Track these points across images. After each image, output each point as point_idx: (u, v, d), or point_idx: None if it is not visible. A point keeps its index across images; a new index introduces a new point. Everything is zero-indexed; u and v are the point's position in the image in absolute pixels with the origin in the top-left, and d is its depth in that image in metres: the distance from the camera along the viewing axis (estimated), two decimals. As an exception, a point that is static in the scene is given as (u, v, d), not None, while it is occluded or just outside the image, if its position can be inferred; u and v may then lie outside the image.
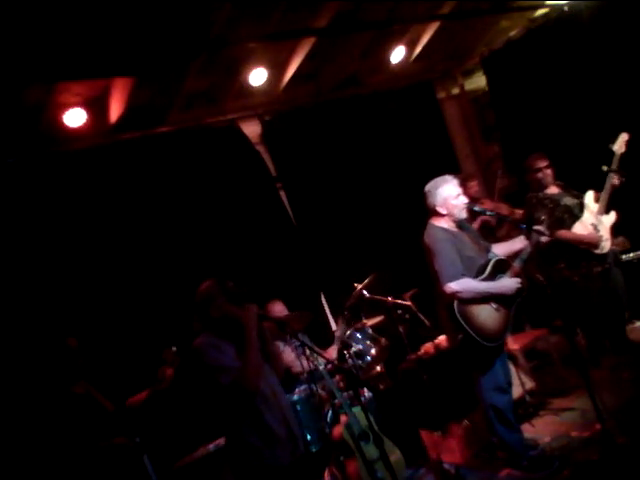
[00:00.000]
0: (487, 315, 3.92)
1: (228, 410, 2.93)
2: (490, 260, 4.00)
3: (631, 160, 4.92)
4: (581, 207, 5.03)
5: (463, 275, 3.89)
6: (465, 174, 6.54)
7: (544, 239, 4.03)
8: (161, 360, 4.13)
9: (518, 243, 4.15)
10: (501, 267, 4.01)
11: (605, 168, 4.94)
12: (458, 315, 3.88)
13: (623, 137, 4.78)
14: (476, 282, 3.91)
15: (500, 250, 4.19)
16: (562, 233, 4.93)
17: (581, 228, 4.97)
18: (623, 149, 4.77)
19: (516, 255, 4.08)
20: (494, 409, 4.03)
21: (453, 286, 3.85)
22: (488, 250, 4.18)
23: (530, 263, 4.18)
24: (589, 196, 5.04)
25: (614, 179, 4.81)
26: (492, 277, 3.96)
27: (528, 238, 4.03)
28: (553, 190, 5.19)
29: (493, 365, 4.02)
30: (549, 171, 5.15)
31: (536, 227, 4.01)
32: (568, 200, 5.10)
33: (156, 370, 4.13)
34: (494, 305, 3.95)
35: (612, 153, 4.79)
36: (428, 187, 4.12)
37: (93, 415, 3.59)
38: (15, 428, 4.00)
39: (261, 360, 2.97)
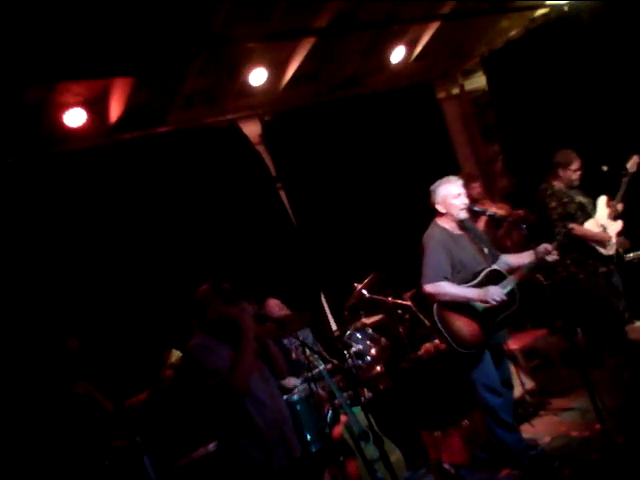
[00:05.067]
0: (465, 322, 3.93)
1: (217, 411, 2.94)
2: (484, 269, 4.00)
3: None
4: (594, 207, 5.10)
5: (445, 279, 3.92)
6: (468, 175, 6.53)
7: (551, 258, 3.97)
8: (161, 361, 4.13)
9: (526, 257, 4.09)
10: (494, 278, 3.98)
11: (605, 168, 4.97)
12: (435, 316, 3.95)
13: (635, 159, 4.96)
14: (452, 286, 3.92)
15: (509, 261, 4.15)
16: (573, 226, 4.93)
17: (592, 226, 5.03)
18: (635, 169, 4.95)
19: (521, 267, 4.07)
20: (488, 409, 4.04)
21: (429, 288, 3.93)
22: (495, 258, 4.16)
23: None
24: (602, 200, 5.10)
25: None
26: (481, 286, 3.94)
27: (529, 239, 4.02)
28: (570, 188, 5.20)
29: (482, 365, 4.01)
30: (580, 172, 5.17)
31: (545, 245, 3.96)
32: (582, 198, 5.13)
33: (157, 371, 4.13)
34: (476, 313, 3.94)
35: (625, 170, 4.95)
36: (432, 186, 4.17)
37: (94, 415, 3.60)
38: (16, 428, 4.01)
39: (255, 361, 2.98)
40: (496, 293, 3.86)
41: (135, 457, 3.68)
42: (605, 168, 5.02)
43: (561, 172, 5.12)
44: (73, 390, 3.64)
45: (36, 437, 3.71)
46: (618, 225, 5.08)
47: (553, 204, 5.06)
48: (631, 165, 4.95)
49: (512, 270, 4.08)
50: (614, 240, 5.03)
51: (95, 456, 3.48)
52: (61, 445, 3.47)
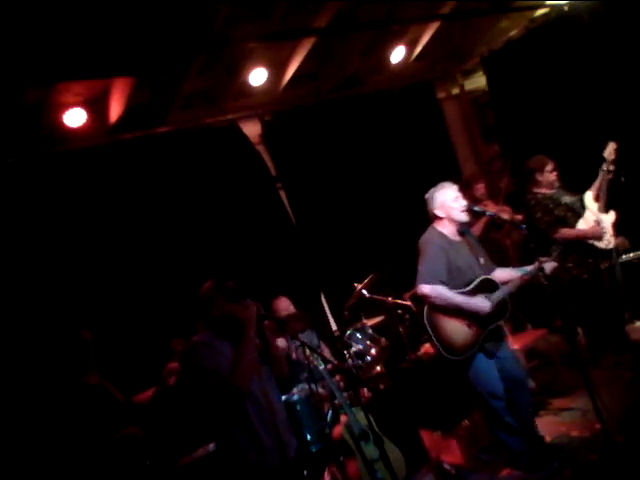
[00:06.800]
0: (455, 328, 3.92)
1: (216, 410, 2.93)
2: (477, 277, 3.99)
3: (630, 161, 4.99)
4: (582, 204, 5.09)
5: (441, 282, 3.90)
6: (473, 176, 6.55)
7: (548, 270, 3.95)
8: (170, 352, 4.07)
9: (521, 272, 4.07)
10: (487, 286, 3.98)
11: (623, 179, 5.00)
12: (425, 319, 3.93)
13: (612, 145, 4.97)
14: (449, 292, 3.90)
15: (504, 274, 4.13)
16: (565, 232, 4.96)
17: (584, 224, 5.03)
18: (613, 156, 4.96)
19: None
20: (492, 414, 4.03)
21: (425, 289, 3.89)
22: (490, 270, 4.14)
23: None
24: (588, 195, 5.09)
25: (607, 175, 4.98)
26: (473, 294, 3.94)
27: (528, 239, 4.00)
28: (553, 190, 5.22)
29: (480, 372, 3.99)
30: (556, 172, 5.20)
31: (543, 259, 3.93)
32: (567, 198, 5.14)
33: (164, 365, 4.09)
34: (466, 321, 3.94)
35: (603, 159, 4.98)
36: (428, 194, 4.16)
37: (106, 405, 3.62)
38: (29, 417, 4.07)
39: (256, 360, 2.98)
40: (485, 308, 3.87)
41: (138, 455, 3.68)
42: (623, 179, 5.03)
43: (539, 176, 5.16)
44: (85, 379, 3.68)
45: (48, 425, 3.74)
46: (611, 217, 5.07)
47: (538, 214, 5.08)
48: (608, 153, 4.95)
49: (505, 281, 4.07)
50: (611, 231, 5.02)
51: (105, 447, 3.50)
52: (72, 434, 3.49)
